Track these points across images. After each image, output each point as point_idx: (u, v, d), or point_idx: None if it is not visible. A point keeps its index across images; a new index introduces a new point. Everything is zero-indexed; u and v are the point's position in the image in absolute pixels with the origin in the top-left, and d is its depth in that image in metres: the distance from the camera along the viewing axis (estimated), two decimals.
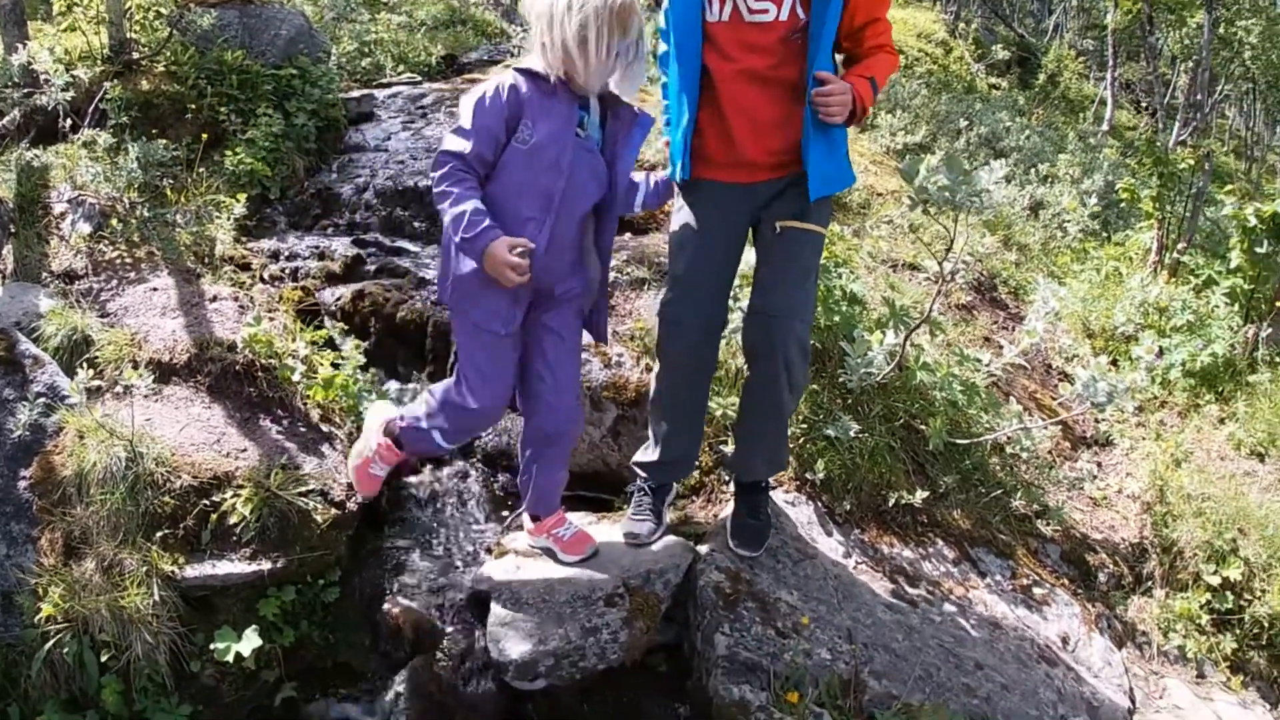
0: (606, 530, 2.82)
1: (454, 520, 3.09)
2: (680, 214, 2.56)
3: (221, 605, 2.55)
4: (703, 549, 2.71)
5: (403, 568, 2.80)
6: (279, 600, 2.56)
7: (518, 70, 2.32)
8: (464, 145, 2.25)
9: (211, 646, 2.43)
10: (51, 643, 2.31)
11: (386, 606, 2.65)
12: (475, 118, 2.27)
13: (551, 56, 2.26)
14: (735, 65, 2.36)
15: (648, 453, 2.75)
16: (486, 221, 2.21)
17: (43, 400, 2.69)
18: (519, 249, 2.21)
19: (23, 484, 2.57)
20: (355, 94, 6.00)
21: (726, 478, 3.05)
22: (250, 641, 2.43)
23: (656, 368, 2.64)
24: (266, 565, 2.52)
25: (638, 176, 2.61)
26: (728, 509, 2.85)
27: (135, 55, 4.98)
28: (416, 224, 4.50)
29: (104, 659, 2.35)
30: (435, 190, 2.27)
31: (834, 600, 2.66)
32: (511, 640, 2.43)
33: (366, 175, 4.86)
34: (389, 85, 6.54)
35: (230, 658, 2.40)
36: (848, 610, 2.63)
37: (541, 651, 2.40)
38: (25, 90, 4.70)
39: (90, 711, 2.40)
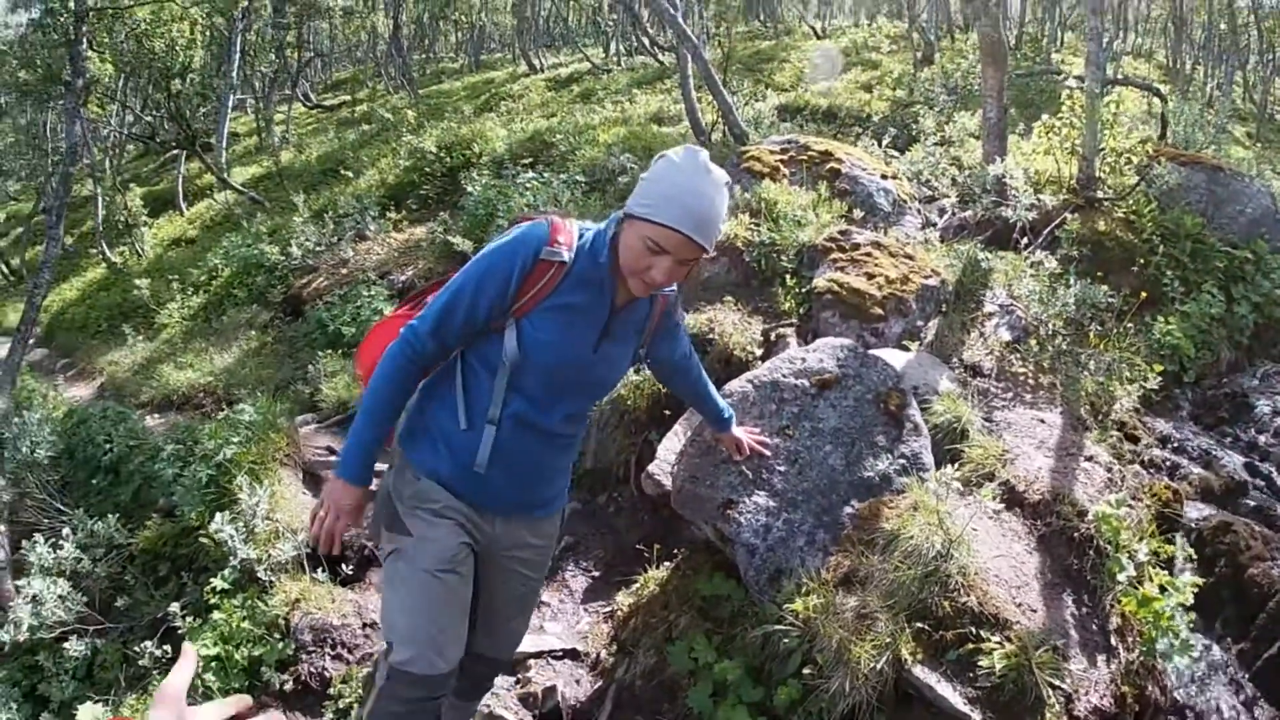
0: None
1: None
2: None
3: (914, 708, 2.61)
4: None
5: None
6: None
7: None
8: None
9: None
10: (780, 627, 2.70)
11: None
12: None
13: None
14: None
15: None
16: None
17: (902, 461, 3.05)
18: None
19: (848, 510, 2.97)
20: None
21: None
22: None
23: None
24: (977, 716, 2.47)
25: None
26: None
27: (1099, 194, 5.21)
28: None
29: (805, 670, 2.64)
30: None
31: None
32: None
33: None
34: None
35: None
36: None
37: None
38: (993, 198, 5.39)
39: (761, 689, 2.79)
